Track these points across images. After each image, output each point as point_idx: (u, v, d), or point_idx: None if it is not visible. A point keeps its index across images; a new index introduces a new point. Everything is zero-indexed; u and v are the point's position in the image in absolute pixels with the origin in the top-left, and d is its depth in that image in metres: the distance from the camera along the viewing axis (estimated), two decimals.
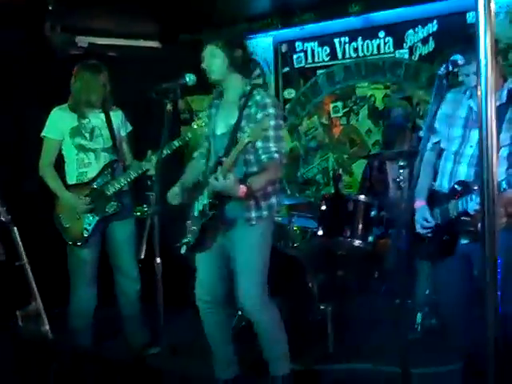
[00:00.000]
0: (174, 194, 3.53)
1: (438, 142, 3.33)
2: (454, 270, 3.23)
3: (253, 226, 3.40)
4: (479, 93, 1.63)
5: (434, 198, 3.24)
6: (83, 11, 5.57)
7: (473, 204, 2.96)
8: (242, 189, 3.19)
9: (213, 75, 3.45)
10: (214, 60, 3.42)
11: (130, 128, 4.50)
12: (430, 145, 3.33)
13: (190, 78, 3.26)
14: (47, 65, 5.53)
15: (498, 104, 3.03)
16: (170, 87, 3.18)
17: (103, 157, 4.28)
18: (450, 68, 2.71)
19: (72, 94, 4.28)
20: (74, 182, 4.26)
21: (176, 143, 3.91)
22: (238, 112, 3.41)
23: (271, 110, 3.30)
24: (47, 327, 3.51)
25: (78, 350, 3.76)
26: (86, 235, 4.20)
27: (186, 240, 3.50)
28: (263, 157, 3.34)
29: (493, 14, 1.60)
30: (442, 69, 2.72)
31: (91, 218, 4.22)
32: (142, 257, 2.83)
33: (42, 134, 4.27)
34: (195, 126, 3.80)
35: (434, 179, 3.36)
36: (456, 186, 3.12)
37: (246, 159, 3.37)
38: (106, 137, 4.29)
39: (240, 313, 4.39)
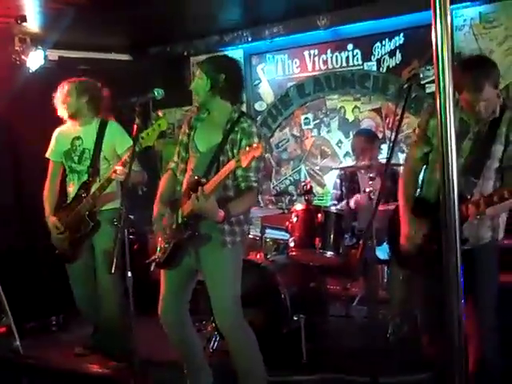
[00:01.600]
0: (161, 215, 3.49)
1: (428, 153, 3.29)
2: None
3: (226, 249, 3.41)
4: (437, 104, 1.65)
5: (423, 208, 3.19)
6: (53, 24, 5.55)
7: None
8: (221, 213, 3.21)
9: (197, 98, 3.50)
10: (198, 82, 3.46)
11: (129, 143, 4.17)
12: (419, 153, 3.31)
13: (158, 93, 3.28)
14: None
15: (490, 118, 3.07)
16: (138, 101, 3.18)
17: (85, 177, 4.37)
18: (413, 82, 2.76)
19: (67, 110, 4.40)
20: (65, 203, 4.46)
21: (136, 149, 3.91)
22: (222, 135, 3.42)
23: (256, 140, 3.32)
24: (18, 342, 3.48)
25: (48, 366, 3.73)
26: (70, 251, 4.41)
27: (155, 256, 3.50)
28: (242, 184, 3.37)
29: (449, 28, 1.63)
30: (405, 82, 2.77)
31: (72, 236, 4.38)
32: (113, 271, 2.81)
33: (46, 155, 4.54)
34: (159, 127, 3.76)
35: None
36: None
37: (225, 184, 3.38)
38: (91, 158, 4.38)
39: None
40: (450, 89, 1.64)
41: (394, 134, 2.94)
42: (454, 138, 1.65)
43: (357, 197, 4.97)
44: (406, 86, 2.80)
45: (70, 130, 4.46)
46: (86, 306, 4.51)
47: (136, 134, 3.20)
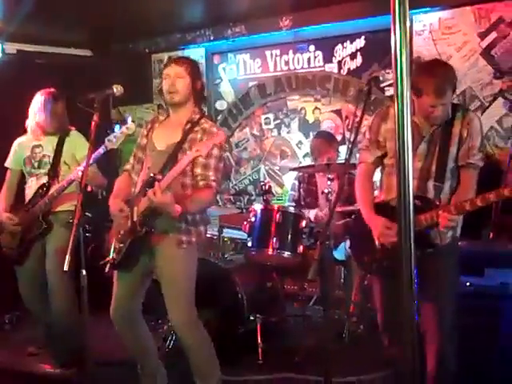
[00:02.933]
0: (119, 208, 3.44)
1: (381, 157, 3.31)
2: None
3: (181, 248, 3.41)
4: (396, 109, 1.67)
5: (385, 212, 3.15)
6: (12, 17, 5.45)
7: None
8: (177, 208, 3.21)
9: (176, 96, 3.47)
10: (182, 82, 3.47)
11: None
12: (372, 158, 3.33)
13: (116, 89, 3.25)
14: None
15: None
16: (97, 97, 3.15)
17: (44, 180, 4.34)
18: (372, 84, 2.79)
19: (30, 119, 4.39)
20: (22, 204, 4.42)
21: (101, 151, 3.88)
22: (181, 134, 3.44)
23: (217, 140, 3.32)
24: None
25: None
26: (18, 251, 4.36)
27: (110, 257, 3.47)
28: (201, 183, 3.38)
29: (408, 32, 1.65)
30: (365, 85, 2.80)
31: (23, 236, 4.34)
32: (66, 269, 2.77)
33: (6, 164, 4.55)
34: (127, 130, 3.76)
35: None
36: (416, 201, 3.10)
37: (183, 182, 3.39)
38: (52, 163, 4.37)
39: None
40: (407, 93, 1.66)
41: (353, 135, 2.96)
42: (410, 141, 1.67)
43: (316, 214, 4.98)
44: (365, 88, 2.82)
45: (31, 140, 4.44)
46: (35, 306, 4.44)
47: (94, 131, 3.16)
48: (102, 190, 4.42)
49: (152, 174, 3.31)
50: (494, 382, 3.49)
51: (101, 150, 3.84)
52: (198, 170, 3.38)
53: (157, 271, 3.51)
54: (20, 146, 4.49)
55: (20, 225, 4.31)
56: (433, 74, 3.00)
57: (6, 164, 4.54)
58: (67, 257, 2.77)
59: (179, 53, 6.75)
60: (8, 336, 5.27)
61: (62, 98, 4.40)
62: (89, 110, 3.10)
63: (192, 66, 3.55)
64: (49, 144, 4.38)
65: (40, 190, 4.30)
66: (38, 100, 4.34)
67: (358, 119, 3.00)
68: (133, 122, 4.04)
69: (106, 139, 3.70)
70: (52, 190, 4.23)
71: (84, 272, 2.95)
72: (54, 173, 4.32)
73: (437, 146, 3.11)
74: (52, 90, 4.41)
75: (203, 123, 3.47)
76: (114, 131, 3.89)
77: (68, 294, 4.21)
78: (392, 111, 3.14)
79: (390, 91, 5.27)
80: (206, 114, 4.13)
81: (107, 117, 7.11)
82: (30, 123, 4.38)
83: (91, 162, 3.75)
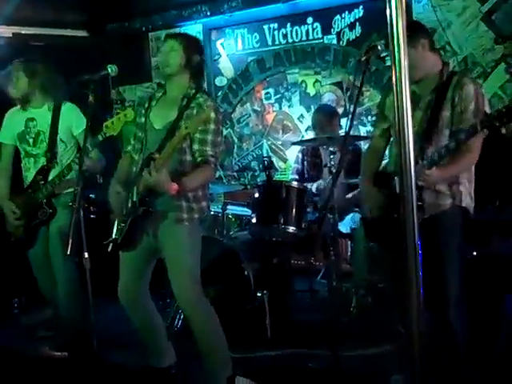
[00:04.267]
0: (116, 192, 3.44)
1: (387, 129, 3.33)
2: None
3: (184, 226, 3.38)
4: (393, 79, 1.64)
5: (382, 180, 3.22)
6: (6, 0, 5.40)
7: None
8: (174, 186, 3.17)
9: (167, 69, 3.43)
10: (172, 54, 3.42)
11: (85, 124, 4.10)
12: (378, 131, 3.36)
13: (111, 69, 3.21)
14: None
15: (437, 84, 3.10)
16: (91, 78, 3.12)
17: (41, 161, 4.27)
18: (371, 53, 2.75)
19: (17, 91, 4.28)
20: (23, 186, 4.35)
21: (100, 138, 3.83)
22: (177, 111, 3.41)
23: (212, 115, 3.29)
24: None
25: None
26: (26, 237, 4.32)
27: (112, 238, 3.46)
28: (199, 159, 3.35)
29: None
30: (363, 55, 2.75)
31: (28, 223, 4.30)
32: (68, 253, 2.76)
33: None
34: (125, 117, 3.73)
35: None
36: None
37: (181, 159, 3.36)
38: (48, 142, 4.27)
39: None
40: (405, 61, 1.63)
41: (352, 106, 2.94)
42: (409, 109, 1.65)
43: (319, 183, 4.95)
44: (363, 58, 2.78)
45: (23, 112, 4.33)
46: (48, 290, 4.44)
47: (92, 113, 3.12)
48: (100, 175, 4.37)
49: (149, 153, 3.30)
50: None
51: (99, 138, 3.80)
52: (196, 146, 3.35)
53: (160, 249, 3.48)
54: (13, 118, 4.37)
55: (22, 216, 4.27)
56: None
57: None
58: (69, 241, 2.75)
59: (176, 30, 6.68)
60: (16, 319, 5.27)
61: (36, 67, 4.27)
62: (84, 91, 3.06)
63: (186, 39, 3.50)
64: (42, 118, 4.28)
65: (40, 175, 4.25)
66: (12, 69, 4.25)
67: (356, 90, 2.98)
68: (130, 106, 3.98)
69: (104, 125, 3.65)
70: (52, 176, 4.20)
71: (86, 255, 2.94)
72: (51, 154, 4.24)
73: (429, 111, 3.09)
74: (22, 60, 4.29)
75: (199, 98, 3.43)
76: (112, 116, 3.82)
77: (72, 277, 4.20)
78: None
79: (389, 61, 5.20)
80: (205, 90, 4.08)
81: (107, 97, 7.06)
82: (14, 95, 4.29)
83: (91, 148, 3.72)
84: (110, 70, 3.21)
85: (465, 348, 3.14)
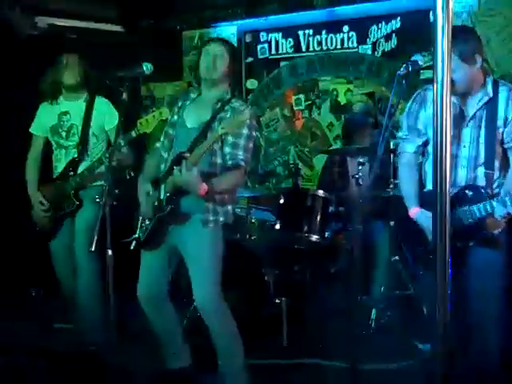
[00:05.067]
0: (145, 191, 3.43)
1: (423, 145, 3.21)
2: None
3: (208, 228, 3.37)
4: (435, 92, 1.59)
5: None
6: None
7: (500, 209, 2.83)
8: (204, 186, 3.15)
9: (214, 74, 3.43)
10: (221, 61, 3.44)
11: (117, 120, 4.22)
12: (413, 147, 3.22)
13: (146, 67, 3.20)
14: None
15: (485, 100, 2.96)
16: (126, 76, 3.11)
17: (72, 153, 4.31)
18: (410, 68, 2.69)
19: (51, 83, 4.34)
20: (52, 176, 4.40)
21: (133, 134, 3.82)
22: (211, 113, 3.41)
23: (247, 120, 3.26)
24: None
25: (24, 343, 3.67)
26: (50, 228, 4.36)
27: (136, 235, 3.45)
28: (230, 162, 3.33)
29: (451, 12, 1.57)
30: (402, 69, 2.70)
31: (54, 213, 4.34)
32: (93, 249, 2.75)
33: (30, 130, 4.44)
34: (160, 115, 3.72)
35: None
36: (467, 192, 2.96)
37: (212, 161, 3.35)
38: (80, 135, 4.31)
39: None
40: (447, 77, 1.58)
41: (387, 120, 2.87)
42: (449, 125, 1.59)
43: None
44: (403, 73, 2.71)
45: (56, 105, 4.38)
46: (67, 281, 4.46)
47: (125, 110, 3.12)
48: (130, 170, 4.38)
49: (180, 152, 3.29)
50: None
51: (133, 134, 3.79)
52: (227, 149, 3.33)
53: (183, 250, 3.47)
54: (46, 111, 4.42)
55: (50, 205, 4.31)
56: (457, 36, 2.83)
57: (31, 129, 4.46)
58: (94, 237, 2.74)
59: (210, 30, 6.68)
60: (34, 309, 5.29)
61: (77, 54, 4.34)
62: (118, 88, 3.05)
63: (232, 46, 3.57)
64: (76, 111, 4.32)
65: (70, 166, 4.28)
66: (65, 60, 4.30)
67: (390, 102, 2.91)
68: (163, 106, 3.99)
69: (138, 122, 3.65)
70: (82, 169, 4.22)
71: (110, 252, 2.92)
72: (83, 146, 4.28)
73: (481, 129, 2.97)
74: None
75: (234, 102, 3.44)
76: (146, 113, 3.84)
77: (94, 271, 4.21)
78: (430, 95, 2.98)
79: (424, 74, 5.16)
80: (238, 92, 4.07)
81: (137, 93, 7.07)
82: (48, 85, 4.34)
83: (122, 143, 3.73)
84: (145, 67, 3.19)
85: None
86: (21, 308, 5.10)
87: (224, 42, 3.55)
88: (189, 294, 3.62)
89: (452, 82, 2.69)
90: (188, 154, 3.19)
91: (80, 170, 4.25)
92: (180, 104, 3.60)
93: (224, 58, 3.43)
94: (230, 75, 3.50)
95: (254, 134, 3.43)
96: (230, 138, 3.30)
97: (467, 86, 2.93)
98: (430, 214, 2.98)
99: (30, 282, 5.47)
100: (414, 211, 3.14)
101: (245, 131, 3.34)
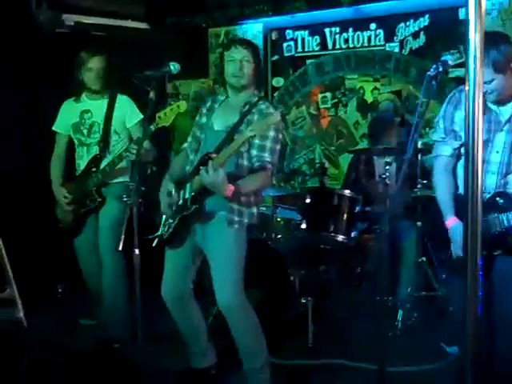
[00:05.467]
0: (168, 191, 3.45)
1: (459, 148, 3.07)
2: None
3: (232, 228, 3.36)
4: (467, 90, 1.54)
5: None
6: None
7: None
8: (230, 187, 3.15)
9: (242, 80, 3.43)
10: (248, 66, 3.42)
11: (138, 117, 4.34)
12: (450, 150, 3.10)
13: (174, 67, 3.21)
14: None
15: None
16: (153, 75, 3.11)
17: (94, 150, 4.35)
18: (440, 69, 2.65)
19: (74, 81, 4.36)
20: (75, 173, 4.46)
21: (152, 128, 3.83)
22: (239, 116, 3.41)
23: (274, 122, 3.24)
24: (21, 314, 3.43)
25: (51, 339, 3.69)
26: (73, 224, 4.42)
27: (159, 233, 3.45)
28: (256, 164, 3.33)
29: (483, 10, 1.52)
30: (432, 69, 2.65)
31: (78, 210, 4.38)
32: (120, 248, 2.75)
33: (53, 127, 4.49)
34: (178, 108, 3.69)
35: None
36: (497, 199, 2.88)
37: (239, 163, 3.36)
38: (102, 133, 4.34)
39: None
40: (480, 77, 1.53)
41: (418, 120, 2.81)
42: (481, 130, 1.54)
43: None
44: (433, 73, 2.66)
45: (79, 103, 4.42)
46: (92, 279, 4.49)
47: (152, 110, 3.12)
48: (152, 165, 4.40)
49: (207, 153, 3.29)
50: None
51: (152, 128, 3.80)
52: (254, 152, 3.33)
53: (206, 249, 3.48)
54: (68, 109, 4.46)
55: (74, 200, 4.34)
56: (496, 43, 2.73)
57: (54, 127, 4.51)
58: (122, 236, 2.74)
59: (237, 28, 6.66)
60: (60, 306, 5.32)
61: (102, 55, 4.34)
62: (145, 87, 3.06)
63: (256, 49, 3.52)
64: (98, 109, 4.35)
65: (92, 163, 4.31)
66: (79, 58, 4.31)
67: (420, 101, 2.86)
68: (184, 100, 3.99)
69: (157, 116, 3.65)
70: (104, 165, 4.24)
71: (137, 251, 2.92)
72: (104, 144, 4.30)
73: None
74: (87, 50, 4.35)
75: (260, 104, 3.42)
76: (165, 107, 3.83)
77: (119, 269, 4.23)
78: (463, 96, 2.86)
79: (454, 73, 5.10)
80: (264, 93, 4.06)
81: (163, 91, 7.08)
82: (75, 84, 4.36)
83: (142, 138, 3.75)
84: (172, 67, 3.20)
85: None
86: (47, 304, 5.12)
87: (248, 44, 3.50)
88: (213, 292, 3.62)
89: (484, 92, 2.68)
90: (215, 155, 3.21)
91: (102, 166, 4.27)
92: (208, 106, 3.60)
93: (250, 63, 3.42)
94: (256, 78, 3.49)
95: (280, 136, 3.43)
96: (256, 141, 3.29)
97: (501, 95, 2.85)
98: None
99: (57, 279, 5.50)
100: (451, 222, 3.02)
101: (272, 133, 3.33)
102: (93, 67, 4.28)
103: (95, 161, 4.31)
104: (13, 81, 5.49)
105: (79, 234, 4.43)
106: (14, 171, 5.41)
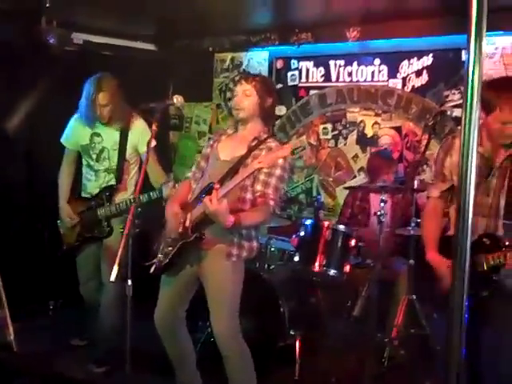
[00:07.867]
0: (174, 213, 3.44)
1: (447, 190, 3.20)
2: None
3: (231, 261, 3.40)
4: (462, 133, 1.56)
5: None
6: (80, 8, 5.50)
7: None
8: (231, 218, 3.15)
9: (241, 113, 3.46)
10: (248, 100, 3.44)
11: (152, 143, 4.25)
12: (437, 192, 3.24)
13: (177, 100, 3.24)
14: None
15: None
16: (157, 107, 3.15)
17: (103, 176, 4.33)
18: (439, 119, 2.70)
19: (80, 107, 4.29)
20: (80, 194, 4.44)
21: (154, 195, 3.90)
22: (246, 149, 3.43)
23: (282, 161, 3.29)
24: (12, 337, 3.42)
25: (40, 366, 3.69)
26: (76, 244, 4.40)
27: (156, 259, 3.47)
28: (259, 200, 3.34)
29: (483, 54, 1.55)
30: (431, 119, 2.71)
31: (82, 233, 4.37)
32: (113, 280, 2.78)
33: (61, 140, 4.43)
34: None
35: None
36: (484, 240, 2.96)
37: (242, 197, 3.38)
38: (113, 159, 4.30)
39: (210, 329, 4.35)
40: (476, 117, 1.55)
41: (417, 160, 2.87)
42: (473, 175, 1.55)
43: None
44: (431, 123, 2.72)
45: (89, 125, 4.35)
46: (90, 298, 4.49)
47: (154, 139, 3.17)
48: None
49: (211, 182, 3.31)
50: None
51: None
52: (258, 187, 3.34)
53: (203, 280, 3.50)
54: (78, 127, 4.37)
55: (79, 223, 4.34)
56: (508, 88, 2.84)
57: (62, 140, 4.45)
58: (115, 267, 2.77)
59: (242, 54, 6.73)
60: (51, 323, 5.32)
61: (111, 85, 4.20)
62: (148, 118, 3.10)
63: (262, 83, 3.49)
64: (109, 136, 4.30)
65: (106, 192, 4.28)
66: (85, 89, 4.20)
67: (419, 143, 2.91)
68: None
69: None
70: (119, 200, 4.24)
71: (130, 282, 2.95)
72: (119, 173, 4.28)
73: (505, 180, 2.97)
74: (99, 76, 4.21)
75: (270, 142, 3.44)
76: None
77: (119, 295, 4.22)
78: (457, 143, 3.01)
79: (454, 112, 5.15)
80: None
81: (166, 114, 7.13)
82: (83, 111, 4.24)
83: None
84: (175, 100, 3.24)
85: None
86: (38, 320, 5.13)
87: (251, 79, 3.49)
88: (204, 318, 3.65)
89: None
90: (218, 185, 3.21)
91: (117, 199, 4.27)
92: (215, 138, 3.64)
93: (252, 97, 3.44)
94: (262, 113, 3.49)
95: (286, 176, 3.43)
96: (262, 177, 3.32)
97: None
98: (444, 261, 3.02)
99: (49, 294, 5.51)
100: (430, 256, 3.16)
101: (278, 172, 3.35)
102: (100, 103, 4.18)
103: (109, 190, 4.29)
104: (18, 95, 5.51)
105: (80, 253, 4.44)
106: (6, 188, 5.37)
